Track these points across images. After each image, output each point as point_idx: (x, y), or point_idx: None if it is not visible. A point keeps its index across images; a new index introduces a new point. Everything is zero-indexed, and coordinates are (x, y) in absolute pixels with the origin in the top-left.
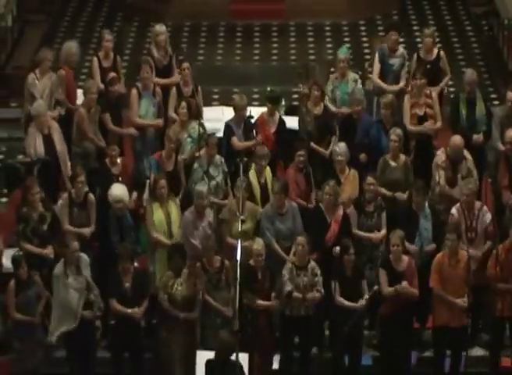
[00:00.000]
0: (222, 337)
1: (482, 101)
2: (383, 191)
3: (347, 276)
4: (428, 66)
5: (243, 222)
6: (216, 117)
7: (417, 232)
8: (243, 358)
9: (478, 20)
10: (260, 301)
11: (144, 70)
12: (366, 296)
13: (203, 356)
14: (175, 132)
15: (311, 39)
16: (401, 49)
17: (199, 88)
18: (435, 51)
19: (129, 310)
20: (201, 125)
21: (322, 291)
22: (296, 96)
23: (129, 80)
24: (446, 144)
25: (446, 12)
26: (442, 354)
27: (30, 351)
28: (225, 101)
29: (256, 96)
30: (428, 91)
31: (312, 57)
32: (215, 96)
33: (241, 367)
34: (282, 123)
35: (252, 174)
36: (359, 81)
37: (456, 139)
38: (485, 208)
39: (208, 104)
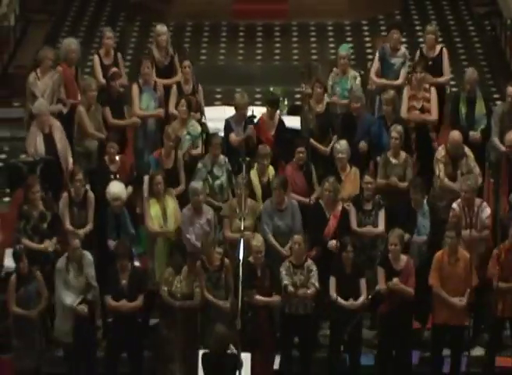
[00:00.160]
0: (218, 330)
1: (482, 101)
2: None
3: (346, 273)
4: (430, 63)
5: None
6: (218, 117)
7: (415, 229)
8: (246, 358)
9: (480, 20)
10: (258, 297)
11: (144, 66)
12: (363, 297)
13: None
14: (174, 130)
15: (313, 39)
16: (403, 49)
17: (199, 86)
18: (438, 48)
19: (121, 303)
20: (202, 124)
21: (317, 285)
22: (298, 96)
23: (132, 78)
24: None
25: (448, 12)
26: (440, 353)
27: (30, 347)
28: (227, 101)
29: (258, 96)
30: (427, 86)
31: (315, 57)
32: (218, 96)
33: (238, 360)
34: (281, 124)
35: (253, 173)
36: (358, 79)
37: (455, 134)
38: (484, 204)
39: (211, 103)
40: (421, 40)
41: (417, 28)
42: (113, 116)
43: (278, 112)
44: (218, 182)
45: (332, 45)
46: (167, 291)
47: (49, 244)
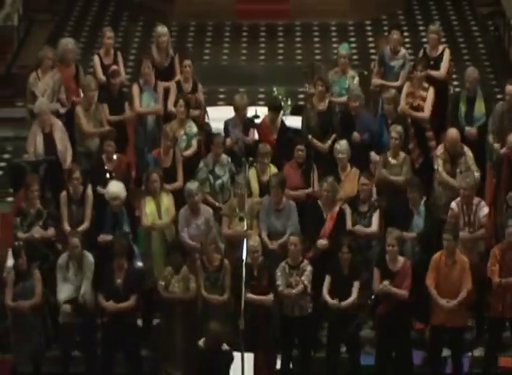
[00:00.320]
0: (212, 327)
1: (483, 100)
2: (388, 175)
3: (344, 274)
4: (432, 63)
5: (242, 219)
6: (222, 117)
7: (409, 229)
8: (248, 358)
9: (483, 20)
10: (250, 295)
11: (144, 66)
12: (351, 298)
13: None
14: (172, 129)
15: (316, 39)
16: (403, 50)
17: (199, 85)
18: (441, 48)
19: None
20: (204, 124)
21: (306, 284)
22: (302, 96)
23: (135, 78)
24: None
25: (452, 12)
26: (439, 353)
27: (28, 347)
28: (230, 101)
29: (262, 96)
30: (426, 85)
31: (318, 57)
32: (221, 96)
33: (231, 356)
34: (283, 128)
35: (252, 172)
36: (356, 79)
37: (453, 132)
38: (482, 203)
39: (214, 104)
40: (424, 40)
41: (421, 28)
42: (113, 113)
43: (280, 115)
44: (219, 181)
45: (335, 45)
46: (164, 286)
47: (52, 234)
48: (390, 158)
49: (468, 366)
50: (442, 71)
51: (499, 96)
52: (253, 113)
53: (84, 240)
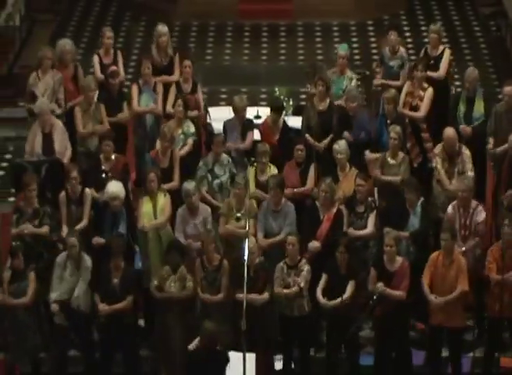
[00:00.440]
0: (207, 326)
1: (482, 100)
2: (382, 177)
3: (341, 274)
4: (432, 62)
5: (239, 219)
6: (223, 117)
7: (405, 229)
8: (250, 358)
9: (486, 21)
10: (240, 295)
11: (144, 66)
12: (345, 296)
13: None
14: (169, 129)
15: (318, 39)
16: (401, 50)
17: (199, 85)
18: (441, 48)
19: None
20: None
21: (301, 285)
22: (304, 96)
23: (136, 78)
24: None
25: (454, 13)
26: (438, 353)
27: (23, 347)
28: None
29: (264, 96)
30: (426, 85)
31: (320, 57)
32: (223, 96)
33: (226, 356)
34: (285, 129)
35: (251, 171)
36: (354, 80)
37: (450, 131)
38: (480, 207)
39: (216, 104)
40: (426, 40)
41: (423, 28)
42: (112, 113)
43: (282, 115)
44: (217, 181)
45: (337, 45)
46: (157, 286)
47: (45, 230)
48: (389, 159)
49: (469, 366)
50: (440, 72)
51: (500, 96)
52: (254, 114)
53: (83, 239)
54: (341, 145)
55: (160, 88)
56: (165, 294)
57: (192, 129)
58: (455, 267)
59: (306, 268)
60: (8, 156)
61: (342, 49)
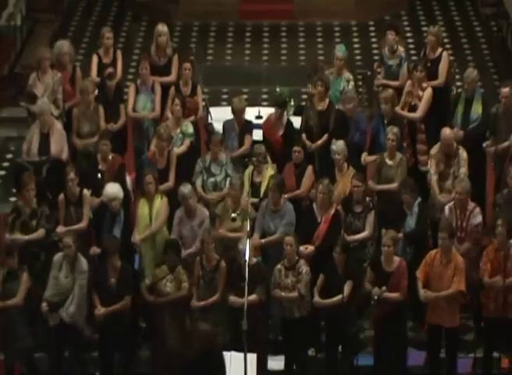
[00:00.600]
0: (202, 328)
1: (480, 102)
2: (374, 186)
3: (338, 274)
4: (429, 64)
5: (234, 219)
6: (225, 117)
7: (402, 229)
8: (251, 359)
9: (487, 21)
10: (232, 298)
11: (142, 66)
12: (342, 296)
13: None
14: (166, 128)
15: (319, 39)
16: (400, 49)
17: (198, 88)
18: (439, 50)
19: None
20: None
21: (302, 291)
22: (305, 96)
23: (137, 78)
24: None
25: (455, 13)
26: (436, 353)
27: (14, 339)
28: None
29: (265, 96)
30: (425, 85)
31: (321, 57)
32: (224, 96)
33: (222, 358)
34: (289, 125)
35: (248, 172)
36: (351, 82)
37: (446, 132)
38: (477, 210)
39: (217, 104)
40: (427, 40)
41: (424, 29)
42: (109, 115)
43: (286, 111)
44: (212, 179)
45: (338, 46)
46: (147, 287)
47: (40, 234)
48: (387, 160)
49: (470, 366)
50: (440, 80)
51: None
52: (256, 114)
53: (83, 240)
54: (338, 146)
55: (158, 88)
56: (156, 297)
57: (191, 129)
58: (452, 266)
59: (304, 270)
60: (9, 156)
61: (339, 51)
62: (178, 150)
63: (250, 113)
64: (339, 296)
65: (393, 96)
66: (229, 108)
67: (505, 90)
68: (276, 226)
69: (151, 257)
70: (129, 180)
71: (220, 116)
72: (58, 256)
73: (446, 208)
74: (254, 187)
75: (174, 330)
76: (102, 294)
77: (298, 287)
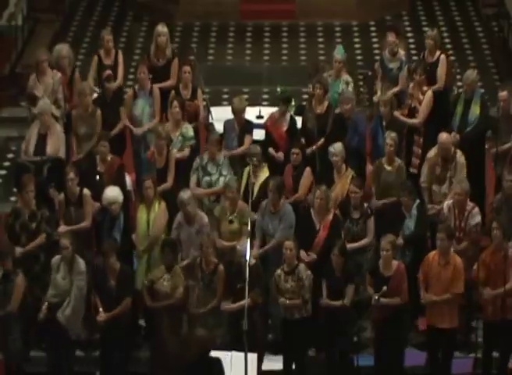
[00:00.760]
0: (199, 333)
1: (479, 103)
2: (376, 202)
3: (336, 276)
4: (428, 68)
5: (231, 222)
6: (226, 117)
7: (400, 232)
8: (252, 359)
9: (488, 22)
10: (226, 306)
11: (140, 70)
12: (346, 301)
13: None
14: (164, 128)
15: (320, 40)
16: (401, 52)
17: (199, 91)
18: (437, 54)
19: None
20: (209, 124)
21: (306, 297)
22: (306, 96)
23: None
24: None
25: (456, 13)
26: (435, 354)
27: (5, 341)
28: None
29: (266, 96)
30: (425, 88)
31: (322, 57)
32: (225, 96)
33: (220, 364)
34: (293, 122)
35: (245, 173)
36: (351, 85)
37: (443, 136)
38: (475, 210)
39: (218, 104)
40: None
41: (425, 29)
42: (109, 117)
43: (290, 107)
44: (207, 178)
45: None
46: (147, 288)
47: (39, 242)
48: (386, 165)
49: (472, 366)
50: (439, 84)
51: None
52: (256, 114)
53: (82, 241)
54: (336, 148)
55: (157, 92)
56: (152, 301)
57: (191, 132)
58: (451, 268)
59: (305, 275)
60: (10, 156)
61: (338, 53)
62: (179, 154)
63: (251, 113)
64: (341, 302)
65: (392, 99)
66: (229, 108)
67: (502, 93)
68: (275, 227)
69: (144, 260)
70: (129, 180)
71: (221, 115)
72: (56, 258)
73: (445, 207)
74: (248, 188)
75: (171, 334)
76: (102, 296)
77: (302, 294)
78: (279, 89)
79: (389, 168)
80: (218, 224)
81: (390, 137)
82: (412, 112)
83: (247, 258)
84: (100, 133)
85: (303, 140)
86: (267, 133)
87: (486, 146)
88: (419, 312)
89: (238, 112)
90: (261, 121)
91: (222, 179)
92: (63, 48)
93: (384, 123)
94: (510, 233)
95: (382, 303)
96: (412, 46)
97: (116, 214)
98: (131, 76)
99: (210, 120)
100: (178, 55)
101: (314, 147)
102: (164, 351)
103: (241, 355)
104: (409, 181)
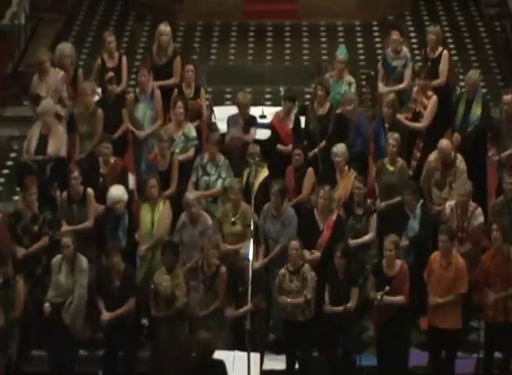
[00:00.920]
0: (202, 337)
1: (480, 104)
2: (379, 204)
3: (339, 279)
4: (429, 63)
5: (234, 223)
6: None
7: (404, 232)
8: (255, 358)
9: (491, 22)
10: (229, 312)
11: (141, 74)
12: (352, 304)
13: None
14: (166, 130)
15: (323, 39)
16: (404, 50)
17: (202, 90)
18: (440, 49)
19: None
20: (212, 124)
21: (308, 296)
22: (309, 96)
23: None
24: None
25: (459, 13)
26: (437, 354)
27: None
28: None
29: (268, 96)
30: (430, 93)
31: (325, 57)
32: (228, 96)
33: (223, 366)
34: (297, 120)
35: (245, 173)
36: (353, 85)
37: (443, 143)
38: (478, 210)
39: (221, 104)
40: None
41: (428, 29)
42: (111, 119)
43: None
44: (206, 178)
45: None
46: (153, 292)
47: (42, 244)
48: (388, 166)
49: (474, 367)
50: (441, 79)
51: None
52: (259, 113)
53: (83, 240)
54: (339, 148)
55: (158, 95)
56: (162, 313)
57: (193, 132)
58: (453, 269)
59: (310, 275)
60: (12, 155)
61: (340, 54)
62: (184, 156)
63: (254, 113)
64: (347, 304)
65: (394, 101)
66: (232, 108)
67: (507, 97)
68: (277, 231)
69: (146, 261)
70: (131, 179)
71: (224, 115)
72: (56, 259)
73: (447, 207)
74: (247, 188)
75: (170, 337)
76: (106, 297)
77: (304, 293)
78: (281, 89)
79: (391, 168)
80: (220, 226)
81: (393, 137)
82: (416, 117)
83: (249, 261)
84: (102, 135)
85: (305, 141)
86: (273, 132)
87: (489, 154)
88: (421, 312)
89: (243, 106)
90: (264, 121)
91: (220, 181)
92: (66, 47)
93: (386, 125)
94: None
95: (386, 302)
96: (415, 46)
97: (121, 213)
98: (133, 77)
99: (213, 120)
100: (180, 54)
101: (316, 149)
102: (163, 354)
103: (244, 355)
104: (412, 181)
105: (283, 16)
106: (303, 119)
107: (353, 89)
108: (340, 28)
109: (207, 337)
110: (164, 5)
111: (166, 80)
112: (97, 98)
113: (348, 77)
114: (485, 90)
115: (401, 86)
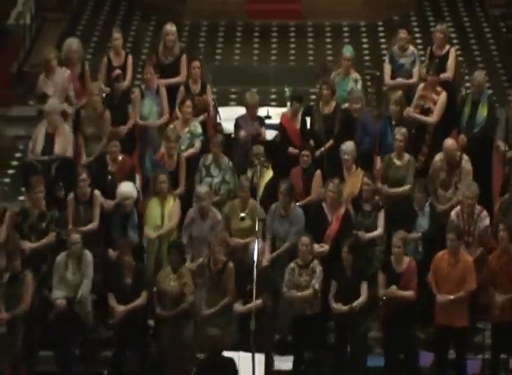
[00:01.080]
0: (211, 334)
1: (486, 105)
2: (386, 189)
3: (347, 275)
4: (437, 60)
5: (243, 219)
6: (233, 117)
7: (413, 230)
8: (260, 359)
9: (496, 22)
10: (238, 307)
11: (146, 71)
12: (362, 299)
13: None
14: (173, 130)
15: (328, 40)
16: (411, 48)
17: (208, 86)
18: (447, 47)
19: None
20: (217, 124)
21: (316, 287)
22: (314, 97)
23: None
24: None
25: (464, 14)
26: (443, 354)
27: (7, 346)
28: (242, 101)
29: (273, 96)
30: (439, 89)
31: (330, 58)
32: (232, 96)
33: (233, 364)
34: (304, 121)
35: (249, 173)
36: (359, 82)
37: (449, 142)
38: (484, 213)
39: (225, 104)
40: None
41: (433, 29)
42: (118, 117)
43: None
44: (208, 179)
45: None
46: (157, 292)
47: (49, 240)
48: (395, 160)
49: (479, 368)
50: (448, 73)
51: (511, 98)
52: (264, 114)
53: (93, 241)
54: (348, 146)
55: (163, 92)
56: (167, 312)
57: (199, 129)
58: (461, 267)
59: (318, 269)
60: (18, 155)
61: (347, 51)
62: (188, 152)
63: (259, 113)
64: (353, 304)
65: (402, 98)
66: (237, 108)
67: None
68: (285, 231)
69: (152, 258)
70: (138, 179)
71: (229, 115)
72: (61, 256)
73: (453, 213)
74: (252, 189)
75: (174, 336)
76: (118, 293)
77: (313, 284)
78: (286, 89)
79: (398, 162)
80: (228, 222)
81: (400, 132)
82: (425, 113)
83: (255, 258)
84: (111, 132)
85: (312, 142)
86: (282, 132)
87: (496, 144)
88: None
89: (251, 107)
90: (270, 121)
91: (224, 186)
92: (73, 42)
93: (393, 122)
94: None
95: (395, 295)
96: (420, 46)
97: (129, 210)
98: (138, 76)
99: (218, 120)
100: (186, 52)
101: (322, 149)
102: (167, 354)
103: (249, 355)
104: (422, 178)
105: (286, 16)
106: (308, 120)
107: (359, 86)
108: (345, 28)
109: (217, 333)
110: (167, 4)
111: (172, 78)
112: (103, 95)
113: (354, 74)
114: (490, 91)
115: (409, 81)
